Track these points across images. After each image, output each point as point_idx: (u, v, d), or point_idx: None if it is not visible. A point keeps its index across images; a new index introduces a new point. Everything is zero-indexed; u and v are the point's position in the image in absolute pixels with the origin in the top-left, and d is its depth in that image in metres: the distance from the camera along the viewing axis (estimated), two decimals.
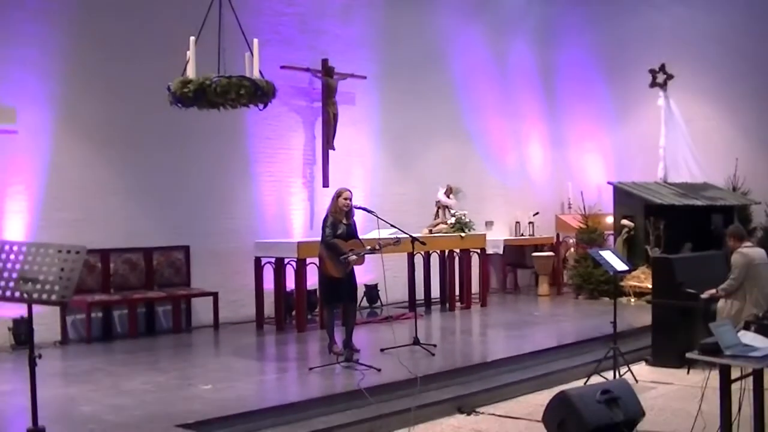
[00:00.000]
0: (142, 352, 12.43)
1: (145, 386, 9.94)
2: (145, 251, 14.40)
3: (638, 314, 15.17)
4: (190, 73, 9.94)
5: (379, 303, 16.79)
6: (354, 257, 11.23)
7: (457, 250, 16.95)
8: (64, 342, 13.16)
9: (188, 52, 10.01)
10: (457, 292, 17.01)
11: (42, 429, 6.11)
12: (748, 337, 7.50)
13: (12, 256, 5.83)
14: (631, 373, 11.31)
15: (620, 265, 11.83)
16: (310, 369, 10.87)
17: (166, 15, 14.15)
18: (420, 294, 17.02)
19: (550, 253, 19.92)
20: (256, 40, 10.09)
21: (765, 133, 19.00)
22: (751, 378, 7.61)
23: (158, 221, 14.55)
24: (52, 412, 8.23)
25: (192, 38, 9.98)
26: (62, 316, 13.18)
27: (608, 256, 11.81)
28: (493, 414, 9.90)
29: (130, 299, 13.73)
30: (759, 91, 18.96)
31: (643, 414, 8.92)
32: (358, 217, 12.02)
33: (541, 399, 9.85)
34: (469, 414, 9.88)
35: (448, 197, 17.42)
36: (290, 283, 14.50)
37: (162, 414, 8.59)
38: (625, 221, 17.92)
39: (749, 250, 11.83)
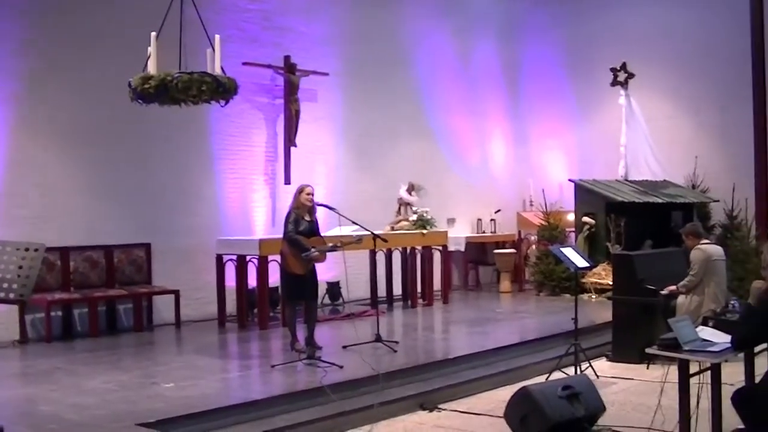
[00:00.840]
0: (104, 351, 12.32)
1: (106, 385, 9.87)
2: (105, 249, 14.28)
3: (599, 310, 15.27)
4: (152, 69, 9.86)
5: (341, 300, 16.74)
6: (316, 254, 11.23)
7: (419, 247, 16.98)
8: (23, 341, 13.02)
9: (149, 48, 9.94)
10: (419, 289, 17.01)
11: (0, 429, 6.06)
12: (707, 333, 7.58)
13: None
14: (592, 368, 11.35)
15: (581, 262, 11.90)
16: (273, 366, 10.85)
17: (127, 11, 14.06)
18: (382, 291, 17.03)
19: (512, 250, 19.99)
20: (218, 36, 10.03)
21: (724, 132, 19.11)
22: (709, 372, 7.67)
23: (119, 218, 14.45)
24: (11, 412, 8.19)
25: (153, 34, 9.91)
26: (21, 314, 13.04)
27: (569, 253, 11.87)
28: (456, 410, 9.91)
29: (90, 297, 13.63)
30: (719, 90, 19.06)
31: (604, 409, 8.99)
32: (320, 214, 12.02)
33: (503, 395, 9.87)
34: (431, 410, 9.88)
35: (410, 194, 17.43)
36: (252, 281, 14.46)
37: (124, 413, 8.53)
38: (586, 218, 18.01)
39: (707, 247, 11.97)
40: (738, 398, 6.94)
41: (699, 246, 11.89)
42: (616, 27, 20.69)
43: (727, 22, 18.75)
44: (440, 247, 17.35)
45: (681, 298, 11.94)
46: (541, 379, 10.69)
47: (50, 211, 13.63)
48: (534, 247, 20.32)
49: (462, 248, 19.85)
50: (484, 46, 21.66)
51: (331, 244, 11.58)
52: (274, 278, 14.08)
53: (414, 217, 16.92)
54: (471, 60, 21.31)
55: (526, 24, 22.33)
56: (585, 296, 17.10)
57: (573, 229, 19.06)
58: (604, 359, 12.58)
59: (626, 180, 18.99)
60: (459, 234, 19.68)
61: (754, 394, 6.93)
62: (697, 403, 7.50)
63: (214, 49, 9.99)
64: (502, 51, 22.10)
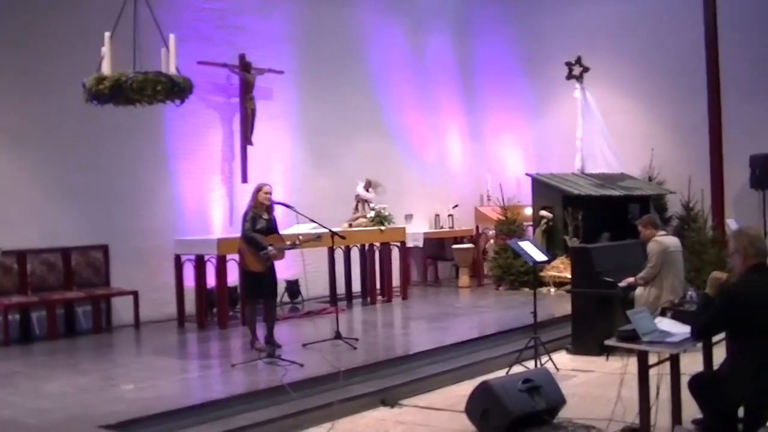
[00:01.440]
0: (62, 354, 12.24)
1: (66, 388, 9.82)
2: (63, 251, 14.17)
3: (558, 304, 15.36)
4: (106, 69, 9.81)
5: (300, 298, 16.76)
6: (274, 252, 11.22)
7: (378, 244, 17.01)
8: None
9: (103, 48, 9.89)
10: (378, 286, 17.05)
11: None
12: (665, 324, 7.64)
13: None
14: (552, 361, 11.42)
15: (539, 256, 11.94)
16: (233, 366, 10.83)
17: (81, 10, 13.95)
18: (341, 288, 17.02)
19: (470, 245, 20.05)
20: (172, 36, 9.99)
21: (680, 124, 19.26)
22: (668, 363, 7.74)
23: (76, 220, 14.34)
24: None
25: (107, 34, 9.85)
26: None
27: (527, 247, 11.91)
28: (417, 406, 9.93)
29: (48, 300, 13.52)
30: (674, 83, 19.20)
31: (565, 402, 9.06)
32: (278, 212, 12.02)
33: (463, 390, 9.91)
34: (392, 406, 9.89)
35: (368, 191, 17.48)
36: (211, 280, 14.41)
37: (84, 415, 8.49)
38: (543, 212, 18.10)
39: (664, 239, 12.05)
40: (695, 384, 6.99)
41: (656, 238, 11.97)
42: (570, 22, 20.77)
43: (681, 16, 18.91)
44: (398, 244, 17.38)
45: (639, 290, 12.01)
46: (502, 373, 10.73)
47: (5, 214, 13.46)
48: (492, 241, 20.39)
49: (420, 244, 19.86)
50: (437, 41, 21.72)
51: (289, 242, 11.58)
52: (233, 277, 14.06)
53: (372, 213, 16.97)
54: (425, 56, 21.36)
55: (480, 19, 22.41)
56: (544, 290, 17.19)
57: (531, 223, 19.16)
58: (563, 352, 12.63)
59: (583, 173, 19.09)
60: (417, 230, 19.71)
61: (711, 380, 6.99)
62: (657, 393, 7.57)
63: (168, 49, 9.95)
64: (456, 46, 22.19)
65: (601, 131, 19.56)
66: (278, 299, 13.89)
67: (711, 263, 14.70)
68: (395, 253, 17.40)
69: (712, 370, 8.05)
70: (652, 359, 7.48)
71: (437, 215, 20.72)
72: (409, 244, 18.60)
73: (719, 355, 8.46)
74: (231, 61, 16.40)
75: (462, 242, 20.25)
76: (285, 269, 15.15)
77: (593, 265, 12.45)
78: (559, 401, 9.02)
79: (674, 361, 7.71)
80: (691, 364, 8.94)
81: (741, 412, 6.88)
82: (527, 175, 19.19)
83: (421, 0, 21.19)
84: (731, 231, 8.02)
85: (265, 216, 11.60)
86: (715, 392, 6.78)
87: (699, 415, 7.43)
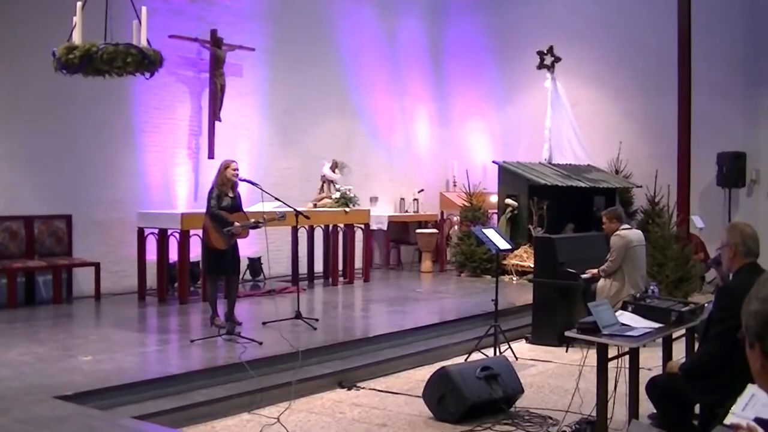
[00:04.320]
0: (21, 323, 12.18)
1: (23, 357, 9.77)
2: (25, 219, 14.08)
3: (519, 293, 15.43)
4: (76, 39, 9.77)
5: (262, 276, 16.76)
6: (238, 229, 11.21)
7: (341, 225, 17.02)
8: None
9: (74, 18, 9.84)
10: (340, 267, 17.06)
11: None
12: (626, 317, 7.69)
13: None
14: (512, 350, 11.49)
15: (503, 244, 11.99)
16: (192, 341, 10.82)
17: None
18: (303, 268, 17.05)
19: (434, 231, 20.09)
20: (144, 8, 9.95)
21: (647, 119, 19.40)
22: (627, 357, 7.80)
23: (40, 189, 14.27)
24: None
25: (79, 4, 9.80)
26: None
27: (491, 234, 11.95)
28: (374, 389, 9.97)
29: (9, 268, 13.43)
30: (643, 77, 19.35)
31: (522, 391, 9.13)
32: (243, 189, 11.99)
33: (421, 375, 9.99)
34: (349, 389, 9.93)
35: (334, 172, 17.47)
36: (173, 255, 14.39)
37: (40, 385, 8.46)
38: (508, 200, 18.18)
39: (627, 233, 12.08)
40: (651, 389, 7.02)
41: (618, 232, 12.00)
42: (542, 12, 20.88)
43: (654, 10, 18.99)
44: (362, 226, 17.38)
45: (601, 283, 12.05)
46: (460, 359, 10.82)
47: None
48: (456, 227, 20.46)
49: (384, 227, 19.90)
50: (409, 24, 21.75)
51: (253, 220, 11.55)
52: (195, 253, 14.01)
53: (337, 194, 16.97)
54: (396, 39, 21.37)
55: (453, 4, 22.47)
56: (506, 278, 17.25)
57: (495, 210, 19.22)
58: (523, 341, 12.72)
59: (550, 163, 19.18)
60: (381, 213, 19.73)
61: (670, 386, 6.96)
62: (615, 387, 7.62)
63: (140, 21, 9.92)
64: (428, 30, 22.23)
65: (570, 122, 19.67)
66: (240, 276, 13.88)
67: (674, 258, 14.79)
68: (359, 235, 17.41)
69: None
70: (612, 352, 7.52)
71: (402, 199, 20.73)
72: (373, 226, 18.65)
73: (679, 351, 8.58)
74: (202, 36, 16.33)
75: (426, 227, 20.28)
76: (248, 247, 15.13)
77: (556, 256, 12.50)
78: (517, 390, 9.08)
79: (634, 355, 7.77)
80: (650, 358, 9.05)
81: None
82: (494, 162, 19.26)
83: None
84: (727, 224, 8.02)
85: (231, 194, 11.57)
86: (674, 399, 6.81)
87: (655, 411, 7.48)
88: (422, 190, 20.73)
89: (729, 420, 3.33)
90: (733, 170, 17.85)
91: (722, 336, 6.42)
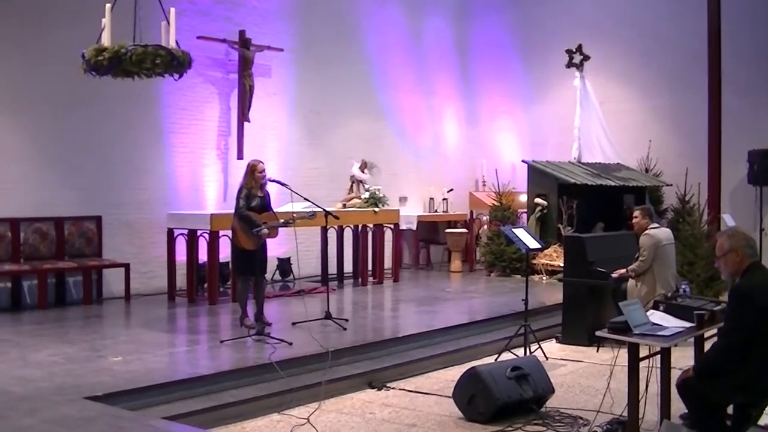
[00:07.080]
0: (51, 324, 12.23)
1: (53, 358, 9.81)
2: (56, 221, 14.15)
3: (549, 292, 15.37)
4: (105, 41, 9.79)
5: (291, 276, 16.77)
6: (267, 230, 11.19)
7: (371, 225, 16.98)
8: None
9: (103, 20, 9.86)
10: (369, 267, 17.03)
11: None
12: (657, 317, 7.62)
13: None
14: (542, 350, 11.44)
15: (532, 243, 11.94)
16: (222, 342, 10.82)
17: None
18: (333, 268, 17.03)
19: (463, 230, 20.03)
20: (172, 9, 9.97)
21: (676, 116, 19.28)
22: (658, 356, 7.74)
23: (70, 190, 14.32)
24: None
25: (108, 5, 9.82)
26: None
27: (521, 233, 11.90)
28: (404, 389, 9.94)
29: (40, 269, 13.51)
30: (671, 75, 19.22)
31: (553, 391, 9.08)
32: (272, 190, 11.99)
33: (451, 375, 9.95)
34: (379, 389, 9.91)
35: (363, 172, 17.47)
36: (203, 255, 14.40)
37: (70, 386, 8.48)
38: (538, 200, 18.11)
39: (656, 231, 11.98)
40: (683, 389, 6.98)
41: (648, 231, 11.90)
42: (568, 9, 20.80)
43: (679, 6, 18.89)
44: (392, 226, 17.36)
45: (631, 282, 11.96)
46: (490, 359, 10.77)
47: (0, 181, 13.48)
48: (485, 227, 20.42)
49: (413, 227, 19.86)
50: (435, 24, 21.72)
51: (282, 220, 11.55)
52: (225, 253, 14.02)
53: (366, 194, 16.94)
54: (423, 38, 21.33)
55: (479, 3, 22.39)
56: (535, 277, 17.19)
57: (525, 210, 19.16)
58: (553, 341, 12.64)
59: (579, 162, 19.09)
60: (411, 212, 19.68)
61: (698, 386, 6.93)
62: (646, 386, 7.56)
63: (168, 22, 9.93)
64: (454, 30, 22.18)
65: (599, 121, 19.57)
66: (269, 276, 13.87)
67: (704, 257, 14.66)
68: (388, 235, 17.39)
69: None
70: (643, 352, 7.46)
71: (431, 199, 20.68)
72: (403, 226, 18.62)
73: None
74: (230, 37, 16.35)
75: (455, 227, 20.22)
76: (277, 247, 15.16)
77: (586, 255, 12.42)
78: (547, 390, 9.03)
79: (665, 354, 7.69)
80: (682, 358, 8.97)
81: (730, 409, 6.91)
82: (523, 161, 19.19)
83: None
84: (722, 232, 7.96)
85: (259, 193, 11.57)
86: (703, 397, 6.77)
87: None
88: (451, 190, 20.67)
89: (763, 421, 3.30)
90: (764, 168, 17.65)
91: (735, 332, 6.67)
